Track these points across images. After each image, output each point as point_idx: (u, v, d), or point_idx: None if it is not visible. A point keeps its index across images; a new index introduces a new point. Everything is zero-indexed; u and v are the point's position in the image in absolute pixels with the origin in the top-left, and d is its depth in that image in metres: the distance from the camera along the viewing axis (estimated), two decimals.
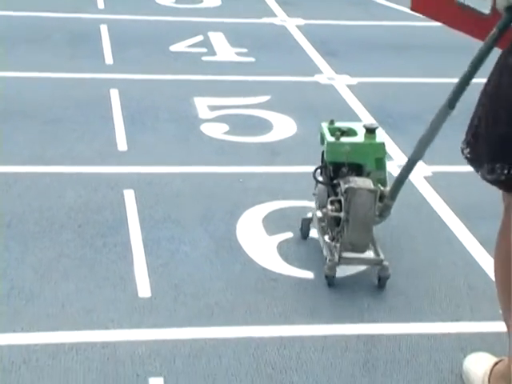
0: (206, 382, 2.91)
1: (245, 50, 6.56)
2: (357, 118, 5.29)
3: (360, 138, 3.56)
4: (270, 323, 3.27)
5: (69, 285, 3.44)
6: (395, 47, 6.84)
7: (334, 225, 3.49)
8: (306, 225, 3.80)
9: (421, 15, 3.24)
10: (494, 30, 2.62)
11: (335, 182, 3.53)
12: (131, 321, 3.23)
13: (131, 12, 7.41)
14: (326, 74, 6.12)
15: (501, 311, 2.82)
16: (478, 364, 2.93)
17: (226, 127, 5.08)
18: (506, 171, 2.43)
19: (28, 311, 3.26)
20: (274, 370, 3.00)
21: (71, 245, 3.73)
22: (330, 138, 3.54)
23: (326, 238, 3.56)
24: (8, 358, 2.98)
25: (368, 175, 3.48)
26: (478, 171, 2.55)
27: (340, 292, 3.42)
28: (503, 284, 2.71)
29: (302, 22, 7.40)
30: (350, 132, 3.59)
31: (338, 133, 3.54)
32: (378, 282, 3.46)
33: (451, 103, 2.96)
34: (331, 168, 3.58)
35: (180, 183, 4.36)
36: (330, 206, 3.46)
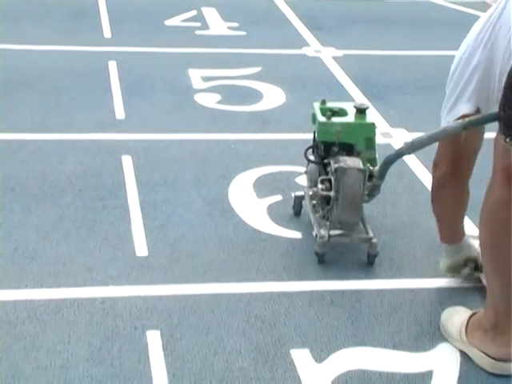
0: (200, 335, 2.93)
1: (236, 25, 6.55)
2: (342, 89, 5.30)
3: (350, 118, 3.49)
4: (260, 280, 3.28)
5: (70, 245, 3.45)
6: (379, 22, 6.81)
7: (324, 203, 3.45)
8: (298, 202, 3.74)
9: None
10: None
11: (326, 161, 3.48)
12: (129, 278, 3.24)
13: None
14: (313, 47, 6.11)
15: (483, 268, 2.89)
16: (455, 316, 2.96)
17: (218, 97, 5.07)
18: None
19: (32, 269, 3.27)
20: (264, 323, 3.01)
21: (72, 207, 3.74)
22: (321, 118, 3.47)
23: (317, 216, 3.51)
24: (13, 313, 2.99)
25: (358, 155, 3.42)
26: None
27: (326, 251, 3.42)
28: (486, 244, 2.77)
29: None
30: (341, 112, 3.52)
31: (329, 113, 3.48)
32: (367, 259, 3.40)
33: (466, 126, 2.80)
34: (322, 147, 3.51)
35: (175, 149, 4.35)
36: (320, 185, 3.41)
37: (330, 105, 3.57)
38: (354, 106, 3.53)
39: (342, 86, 5.36)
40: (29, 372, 2.70)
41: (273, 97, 5.13)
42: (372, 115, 3.60)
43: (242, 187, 3.99)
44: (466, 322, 2.88)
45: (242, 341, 2.91)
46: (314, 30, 6.48)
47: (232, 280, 3.28)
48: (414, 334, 3.00)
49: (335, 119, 3.48)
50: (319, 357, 2.84)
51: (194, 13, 6.79)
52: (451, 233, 3.23)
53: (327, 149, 3.48)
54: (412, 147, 3.04)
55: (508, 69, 2.56)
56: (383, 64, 5.83)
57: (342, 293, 3.22)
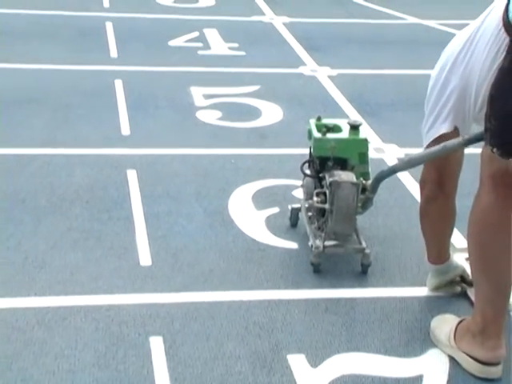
0: (200, 341, 2.92)
1: (236, 45, 6.55)
2: (337, 106, 5.30)
3: (345, 134, 3.50)
4: (259, 288, 3.28)
5: (77, 254, 3.45)
6: (372, 42, 6.83)
7: (319, 215, 3.44)
8: (295, 214, 3.72)
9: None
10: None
11: (321, 175, 3.47)
12: (133, 286, 3.24)
13: (134, 10, 7.40)
14: (310, 66, 6.11)
15: (471, 271, 2.90)
16: (444, 324, 2.96)
17: (219, 114, 5.08)
18: None
19: (40, 278, 3.26)
20: (262, 329, 3.01)
21: (79, 219, 3.74)
22: (316, 134, 3.47)
23: (313, 227, 3.50)
24: (23, 319, 2.98)
25: (352, 169, 3.42)
26: (497, 150, 2.55)
27: (322, 261, 3.42)
28: (474, 249, 2.78)
29: (287, 19, 7.39)
30: (336, 128, 3.52)
31: (325, 129, 3.48)
32: (360, 268, 3.39)
33: (467, 144, 2.83)
34: (318, 162, 3.50)
35: (177, 164, 4.36)
36: (315, 198, 3.41)
37: (325, 121, 3.58)
38: (348, 123, 3.54)
39: (337, 103, 5.37)
40: (37, 376, 2.70)
41: (271, 114, 5.13)
42: (365, 131, 3.61)
43: (242, 200, 3.99)
44: (454, 328, 2.87)
45: (241, 346, 2.91)
46: (310, 50, 6.49)
47: (231, 288, 3.27)
48: (405, 340, 3.00)
49: (330, 135, 3.49)
50: (314, 362, 2.84)
51: (196, 34, 6.80)
52: (438, 252, 3.23)
53: (322, 163, 3.49)
54: (410, 163, 3.05)
55: (483, 90, 2.61)
56: (376, 82, 5.84)
57: (337, 301, 3.22)
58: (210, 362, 2.82)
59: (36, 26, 6.77)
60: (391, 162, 4.35)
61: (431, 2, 8.23)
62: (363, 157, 3.48)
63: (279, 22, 7.33)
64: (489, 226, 2.68)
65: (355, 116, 5.07)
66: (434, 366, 2.87)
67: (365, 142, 3.51)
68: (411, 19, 7.60)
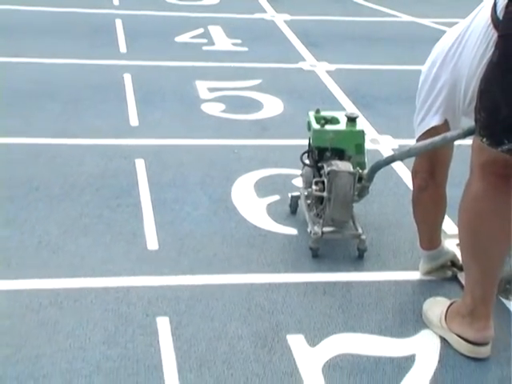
0: (205, 321, 2.93)
1: (239, 41, 6.54)
2: (335, 99, 5.29)
3: (342, 125, 3.49)
4: (260, 272, 3.28)
5: (88, 239, 3.45)
6: (368, 39, 6.81)
7: (318, 203, 3.43)
8: (294, 201, 3.72)
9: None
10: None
11: (320, 164, 3.46)
12: (141, 269, 3.24)
13: (142, 8, 7.38)
14: (309, 62, 6.10)
15: (462, 256, 2.87)
16: (436, 305, 2.96)
17: (222, 106, 5.07)
18: None
19: (53, 261, 3.27)
20: (263, 311, 3.01)
21: (90, 205, 3.74)
22: (315, 126, 3.47)
23: (312, 214, 3.49)
24: (37, 300, 2.99)
25: (349, 159, 3.41)
26: (498, 147, 2.52)
27: (320, 246, 3.42)
28: (464, 234, 2.77)
29: (288, 17, 7.38)
30: (334, 120, 3.52)
31: (323, 121, 3.47)
32: (357, 253, 3.39)
33: (465, 135, 2.82)
34: (316, 152, 3.50)
35: (183, 153, 4.35)
36: (314, 186, 3.41)
37: (323, 114, 3.57)
38: (346, 115, 3.53)
39: (335, 96, 5.36)
40: (50, 353, 2.71)
41: (272, 106, 5.12)
42: (361, 123, 3.60)
43: (244, 188, 3.99)
44: (445, 310, 2.88)
45: (243, 327, 2.91)
46: (309, 46, 6.48)
47: (234, 272, 3.28)
48: (398, 321, 3.00)
49: (328, 127, 3.48)
50: (313, 341, 2.84)
51: (201, 30, 6.79)
52: (430, 238, 3.23)
53: (321, 153, 3.49)
54: (409, 153, 3.04)
55: (472, 84, 2.63)
56: (372, 77, 5.83)
57: (334, 284, 3.22)
58: (214, 341, 2.82)
59: (50, 22, 6.76)
60: (386, 152, 4.34)
61: (425, 2, 8.22)
62: (360, 147, 3.48)
63: (280, 19, 7.31)
64: (479, 213, 2.68)
65: (352, 109, 5.07)
66: (425, 346, 2.87)
67: (361, 133, 3.50)
68: (405, 17, 7.59)
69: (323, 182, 3.38)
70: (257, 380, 2.64)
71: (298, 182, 3.87)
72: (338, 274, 3.29)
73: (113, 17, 6.99)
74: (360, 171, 3.35)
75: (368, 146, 4.18)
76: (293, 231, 3.60)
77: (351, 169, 3.32)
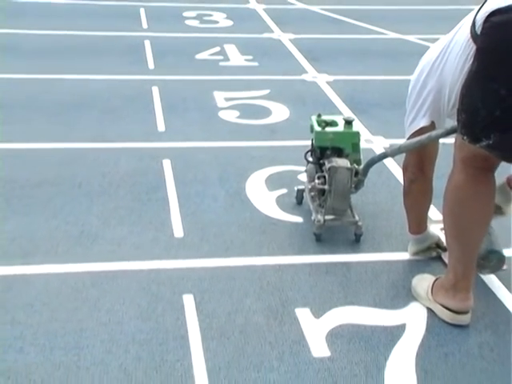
0: (224, 297, 2.92)
1: (251, 57, 6.51)
2: (334, 106, 5.26)
3: (340, 127, 3.48)
4: (271, 255, 3.26)
5: (123, 228, 3.44)
6: (361, 53, 6.76)
7: (320, 194, 3.41)
8: (300, 194, 3.70)
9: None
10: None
11: (321, 161, 3.45)
12: (169, 254, 3.23)
13: (167, 30, 7.36)
14: (311, 74, 6.07)
15: (445, 238, 2.86)
16: (423, 281, 2.97)
17: (237, 113, 5.05)
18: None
19: (94, 248, 3.26)
20: (274, 288, 3.00)
21: (124, 199, 3.73)
22: (317, 128, 3.47)
23: (315, 204, 3.48)
24: (80, 281, 2.99)
25: (347, 156, 3.41)
26: (478, 143, 2.49)
27: (322, 232, 3.40)
28: (448, 218, 2.76)
29: (292, 36, 7.34)
30: (333, 123, 3.51)
31: (324, 124, 3.48)
32: (354, 238, 3.38)
33: (449, 132, 2.80)
34: (318, 151, 3.49)
35: (204, 154, 4.33)
36: (317, 180, 3.40)
37: (324, 118, 3.56)
38: (343, 119, 3.53)
39: (334, 103, 5.33)
40: (92, 327, 2.71)
41: (279, 112, 5.10)
42: (357, 126, 3.58)
43: (256, 183, 3.97)
44: (431, 285, 2.88)
45: (257, 302, 2.90)
46: (311, 60, 6.44)
47: (249, 255, 3.26)
48: (390, 295, 2.99)
49: (328, 129, 3.48)
50: (317, 314, 2.83)
51: (218, 49, 6.76)
52: (418, 224, 3.22)
53: (322, 152, 3.48)
54: (400, 150, 3.03)
55: (455, 90, 2.63)
56: (365, 86, 5.79)
57: (335, 264, 3.20)
58: (232, 314, 2.81)
59: (89, 44, 6.74)
60: (379, 150, 4.31)
61: (409, 21, 8.16)
62: (356, 146, 3.47)
63: (286, 38, 7.27)
64: (460, 200, 2.67)
65: (348, 113, 5.03)
66: (414, 316, 2.85)
67: (357, 134, 3.48)
68: (393, 34, 7.53)
69: (325, 177, 3.37)
70: (269, 347, 2.63)
71: (303, 177, 3.85)
72: (338, 255, 3.27)
73: (142, 38, 6.97)
74: (356, 167, 3.34)
75: (363, 145, 4.15)
76: (299, 219, 3.58)
77: (349, 165, 3.31)
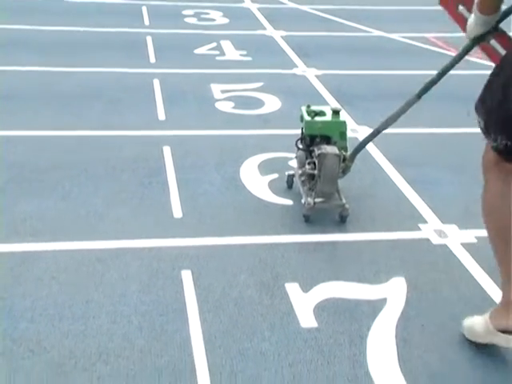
0: (219, 273, 2.93)
1: (245, 52, 6.49)
2: (322, 97, 5.26)
3: (328, 117, 3.49)
4: (263, 234, 3.27)
5: (126, 210, 3.44)
6: (348, 50, 6.75)
7: (310, 179, 3.44)
8: (290, 179, 3.71)
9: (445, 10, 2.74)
10: (461, 51, 2.58)
11: (311, 148, 3.46)
12: (169, 233, 3.24)
13: (168, 27, 7.32)
14: (301, 68, 6.06)
15: (497, 262, 2.45)
16: (477, 318, 2.55)
17: (232, 104, 5.04)
18: (504, 142, 2.23)
19: (99, 227, 3.27)
20: (266, 265, 3.01)
21: (127, 183, 3.73)
22: (307, 118, 3.48)
23: (305, 188, 3.47)
24: (87, 257, 3.00)
25: (334, 144, 3.41)
26: (486, 138, 2.29)
27: (312, 215, 3.41)
28: (495, 239, 2.40)
29: (284, 33, 7.31)
30: (321, 113, 3.52)
31: (313, 114, 3.49)
32: (340, 219, 3.37)
33: (420, 95, 2.78)
34: (308, 139, 3.50)
35: (201, 142, 4.33)
36: (307, 166, 3.41)
37: (313, 108, 3.57)
38: (331, 109, 3.54)
39: (322, 95, 5.32)
40: (98, 299, 2.72)
41: (272, 104, 5.09)
42: (344, 115, 3.60)
43: (250, 168, 3.97)
44: (488, 316, 2.49)
45: (250, 277, 2.91)
46: (301, 56, 6.43)
47: (243, 234, 3.27)
48: (373, 271, 3.00)
49: (317, 118, 3.48)
50: (305, 288, 2.85)
51: (214, 44, 6.74)
52: None
53: (312, 140, 3.50)
54: (385, 124, 3.05)
55: None
56: (351, 80, 5.79)
57: (322, 243, 3.22)
58: (227, 288, 2.83)
59: (95, 39, 6.70)
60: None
61: (393, 21, 8.14)
62: (343, 135, 3.48)
63: (278, 35, 7.25)
64: (497, 207, 2.35)
65: (336, 105, 5.03)
66: (395, 291, 2.87)
67: (344, 123, 3.49)
68: (377, 33, 7.51)
69: (314, 163, 3.38)
70: (261, 319, 2.64)
71: (294, 163, 3.86)
72: (325, 235, 3.28)
73: (144, 34, 6.94)
74: (344, 153, 3.35)
75: (349, 134, 4.15)
76: (289, 202, 3.59)
77: (337, 151, 3.32)
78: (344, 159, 3.35)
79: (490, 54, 2.54)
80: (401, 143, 4.22)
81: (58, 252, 3.03)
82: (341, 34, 7.48)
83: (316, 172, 3.34)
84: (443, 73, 2.70)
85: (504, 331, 2.42)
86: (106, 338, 2.49)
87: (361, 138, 4.33)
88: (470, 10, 2.48)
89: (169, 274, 2.90)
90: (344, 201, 3.39)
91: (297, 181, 3.63)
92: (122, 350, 2.44)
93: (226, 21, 7.86)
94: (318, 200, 3.39)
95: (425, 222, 3.43)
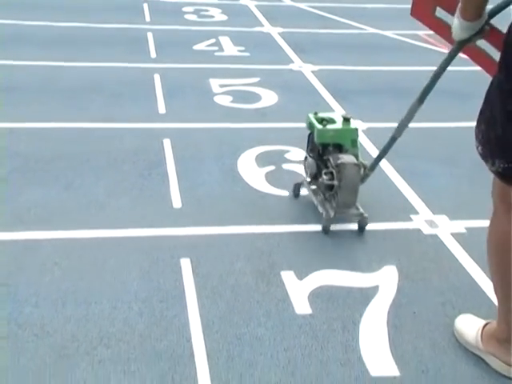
0: (217, 261, 2.93)
1: (243, 48, 6.48)
2: (317, 92, 5.26)
3: (339, 124, 3.28)
4: (260, 224, 3.27)
5: (127, 200, 3.44)
6: (343, 46, 6.74)
7: (327, 190, 3.22)
8: (297, 188, 3.51)
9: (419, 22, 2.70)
10: (448, 55, 2.45)
11: (324, 158, 3.26)
12: (168, 222, 3.24)
13: (168, 23, 7.30)
14: (297, 64, 6.05)
15: (493, 285, 2.38)
16: (469, 326, 2.51)
17: (230, 98, 5.03)
18: (502, 165, 2.08)
19: (100, 216, 3.27)
20: (262, 253, 3.02)
21: (128, 174, 3.73)
22: (318, 126, 3.26)
23: (319, 198, 3.29)
24: (89, 245, 3.00)
25: (346, 152, 3.24)
26: (486, 163, 2.15)
27: (305, 205, 3.41)
28: (497, 268, 2.30)
29: (281, 30, 7.29)
30: (331, 120, 3.31)
31: (323, 121, 3.28)
32: (358, 228, 3.20)
33: (421, 99, 2.66)
34: (320, 148, 3.31)
35: (200, 134, 4.32)
36: (325, 176, 3.19)
37: (321, 115, 3.37)
38: (342, 116, 3.33)
39: (317, 90, 5.32)
40: (99, 286, 2.72)
41: (269, 98, 5.08)
42: (355, 122, 3.38)
43: (247, 160, 3.97)
44: (480, 332, 2.44)
45: (247, 265, 2.92)
46: (297, 52, 6.42)
47: (240, 224, 3.27)
48: (365, 260, 3.01)
49: (329, 126, 3.28)
50: (300, 276, 2.86)
51: (213, 40, 6.72)
52: None
53: (324, 148, 3.31)
54: (399, 131, 2.88)
55: None
56: (346, 75, 5.78)
57: (317, 233, 3.22)
58: (225, 276, 2.83)
59: (98, 34, 6.68)
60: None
61: (387, 18, 8.12)
62: (354, 142, 3.28)
63: (275, 31, 7.23)
64: (503, 242, 2.20)
65: (330, 99, 5.06)
66: (387, 279, 2.88)
67: (356, 130, 3.29)
68: (372, 30, 7.50)
69: (332, 173, 3.18)
70: (257, 305, 2.65)
71: (290, 156, 3.86)
72: (320, 225, 3.27)
73: (145, 30, 6.92)
74: (363, 162, 3.18)
75: None
76: (285, 193, 3.59)
77: (355, 161, 3.15)
78: (364, 168, 3.16)
79: (476, 58, 2.48)
80: None
81: (60, 240, 3.03)
82: (336, 31, 7.47)
83: (335, 183, 3.16)
84: (436, 77, 2.60)
85: (503, 361, 2.36)
86: (108, 323, 2.50)
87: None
88: (448, 11, 2.39)
89: (168, 261, 2.91)
90: (362, 210, 3.22)
91: (308, 189, 3.44)
92: (123, 334, 2.45)
93: (224, 18, 7.84)
94: (339, 211, 3.19)
95: (416, 212, 3.44)
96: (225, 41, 6.74)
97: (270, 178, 3.76)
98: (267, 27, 7.44)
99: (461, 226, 3.30)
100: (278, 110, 4.85)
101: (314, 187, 3.38)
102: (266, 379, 2.28)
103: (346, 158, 3.16)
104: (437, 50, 6.59)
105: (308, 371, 2.32)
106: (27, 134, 4.18)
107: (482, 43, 2.39)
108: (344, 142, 3.28)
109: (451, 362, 2.41)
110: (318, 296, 2.73)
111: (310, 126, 3.37)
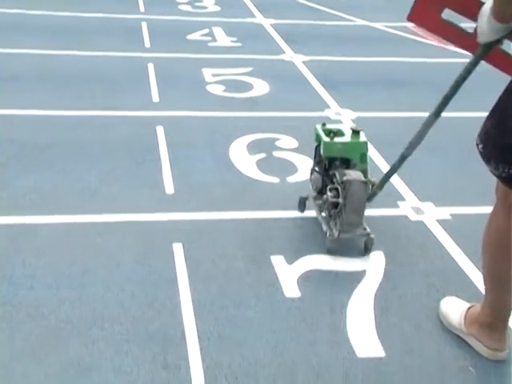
0: (209, 246, 2.93)
1: (235, 39, 6.45)
2: (308, 82, 5.25)
3: (348, 138, 3.00)
4: (251, 210, 3.26)
5: (120, 186, 3.43)
6: (333, 38, 6.72)
7: (332, 207, 2.94)
8: (302, 202, 3.24)
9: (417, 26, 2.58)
10: (473, 58, 2.21)
11: (331, 172, 3.00)
12: (161, 208, 3.24)
13: (162, 13, 7.27)
14: (288, 54, 6.03)
15: (482, 276, 2.38)
16: (453, 309, 2.51)
17: (223, 87, 5.02)
18: (506, 170, 2.03)
19: (94, 202, 3.26)
20: (253, 238, 3.02)
21: (122, 161, 3.71)
22: (325, 139, 2.99)
23: (324, 215, 3.06)
24: (83, 230, 3.00)
25: (354, 167, 2.97)
26: (487, 165, 2.09)
27: (295, 192, 3.41)
28: (488, 266, 2.29)
29: (273, 21, 7.27)
30: (339, 133, 3.04)
31: (331, 133, 3.02)
32: (365, 249, 2.95)
33: (437, 113, 2.44)
34: (327, 162, 3.04)
35: (193, 122, 4.31)
36: (329, 193, 2.92)
37: (329, 126, 3.10)
38: (351, 128, 3.06)
39: (308, 80, 5.31)
40: (95, 269, 2.72)
41: (260, 87, 5.07)
42: (364, 136, 3.05)
43: (239, 148, 3.96)
44: (464, 315, 2.46)
45: (239, 250, 2.92)
46: (289, 42, 6.40)
47: (232, 210, 3.27)
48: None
49: (337, 139, 3.01)
50: (290, 260, 2.86)
51: (206, 31, 6.70)
52: None
53: (330, 163, 3.05)
54: (412, 147, 2.61)
55: None
56: (336, 66, 5.77)
57: (307, 219, 3.21)
58: (217, 260, 2.84)
59: (94, 24, 6.65)
60: (346, 122, 4.32)
61: (377, 10, 8.11)
62: (364, 157, 3.00)
63: (267, 23, 7.21)
64: (500, 242, 2.20)
65: (320, 89, 5.05)
66: (374, 263, 2.89)
67: (365, 144, 3.01)
68: (362, 22, 7.49)
69: (337, 189, 2.92)
70: (248, 288, 2.66)
71: (281, 144, 3.85)
72: (309, 211, 3.27)
73: (140, 20, 6.88)
74: (371, 179, 2.91)
75: (332, 116, 4.17)
76: (276, 180, 3.59)
77: (363, 178, 2.87)
78: (372, 185, 2.89)
79: (499, 64, 2.26)
80: (381, 125, 4.21)
81: (55, 225, 3.03)
82: (327, 22, 7.45)
83: (341, 200, 2.87)
84: (457, 85, 2.34)
85: (484, 345, 2.37)
86: (101, 305, 2.50)
87: (344, 121, 4.36)
88: (463, 13, 2.20)
89: (161, 246, 2.91)
90: (368, 230, 2.95)
91: (313, 205, 3.20)
92: (116, 316, 2.45)
93: (217, 9, 7.80)
94: (342, 232, 2.92)
95: (403, 199, 3.45)
96: (218, 31, 6.71)
97: (261, 165, 3.76)
98: (259, 18, 7.41)
99: (446, 212, 3.31)
100: (269, 99, 4.84)
101: (319, 202, 3.13)
102: (255, 359, 2.29)
103: (353, 175, 2.87)
104: (425, 42, 6.59)
105: (296, 352, 2.33)
106: (24, 121, 4.16)
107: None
108: (352, 156, 2.99)
109: (435, 343, 2.43)
110: (307, 280, 2.73)
111: (317, 137, 3.11)
